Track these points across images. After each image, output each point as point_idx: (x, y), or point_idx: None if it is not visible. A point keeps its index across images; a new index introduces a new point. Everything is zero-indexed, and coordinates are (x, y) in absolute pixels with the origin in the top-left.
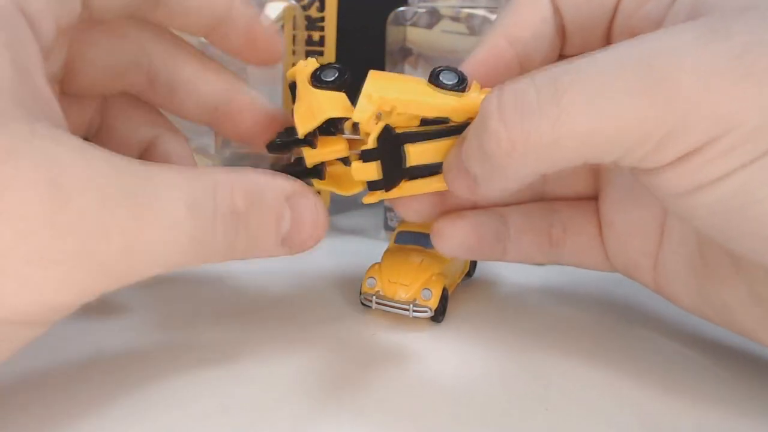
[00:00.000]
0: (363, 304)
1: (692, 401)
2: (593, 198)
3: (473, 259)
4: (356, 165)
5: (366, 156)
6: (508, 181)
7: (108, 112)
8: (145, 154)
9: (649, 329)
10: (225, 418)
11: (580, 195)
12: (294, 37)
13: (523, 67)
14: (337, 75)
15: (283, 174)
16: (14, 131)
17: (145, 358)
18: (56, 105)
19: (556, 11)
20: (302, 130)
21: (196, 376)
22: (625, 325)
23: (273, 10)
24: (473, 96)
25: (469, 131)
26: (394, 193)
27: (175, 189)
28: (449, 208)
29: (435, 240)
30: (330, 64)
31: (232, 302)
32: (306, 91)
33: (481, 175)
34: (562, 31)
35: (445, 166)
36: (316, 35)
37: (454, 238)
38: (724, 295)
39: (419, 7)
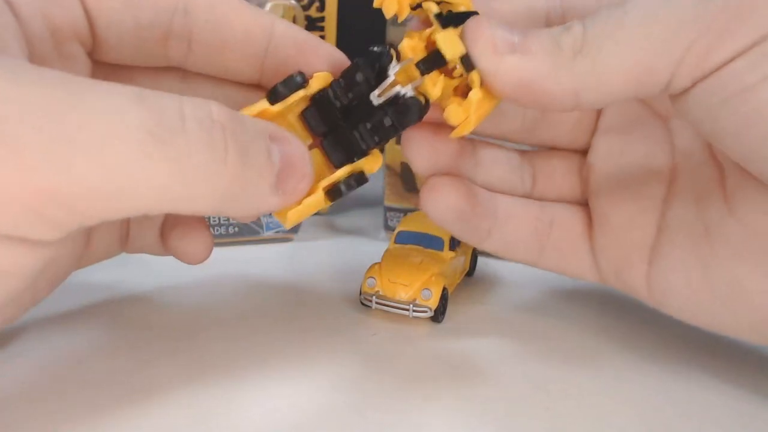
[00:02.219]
0: (363, 304)
1: (692, 400)
2: (580, 203)
3: (455, 231)
4: (440, 36)
5: (445, 20)
6: (554, 77)
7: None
8: None
9: (649, 329)
10: (225, 419)
11: (567, 199)
12: None
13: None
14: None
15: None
16: None
17: (147, 361)
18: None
19: None
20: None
21: (197, 378)
22: (624, 326)
23: (273, 11)
24: None
25: (535, 33)
26: (477, 110)
27: (119, 90)
28: (454, 170)
29: (426, 197)
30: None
31: (232, 303)
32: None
33: (530, 51)
34: None
35: (481, 18)
36: (316, 35)
37: (448, 198)
38: (736, 271)
39: None
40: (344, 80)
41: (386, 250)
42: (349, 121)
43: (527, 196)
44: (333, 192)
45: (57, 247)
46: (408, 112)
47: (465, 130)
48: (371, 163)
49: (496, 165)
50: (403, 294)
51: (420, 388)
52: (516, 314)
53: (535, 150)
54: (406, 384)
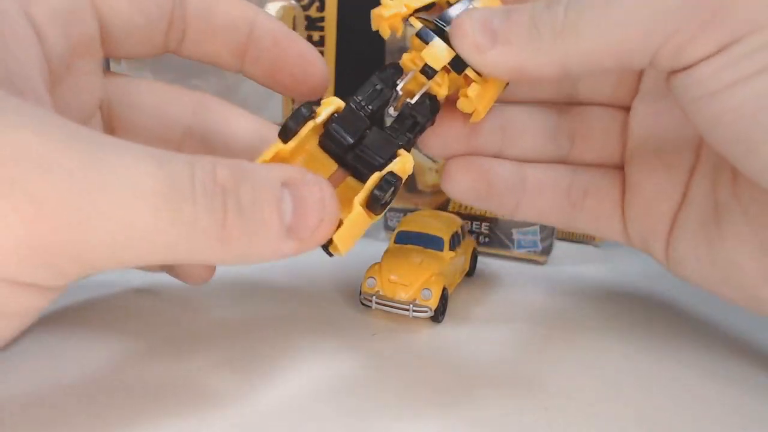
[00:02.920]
0: (363, 304)
1: (691, 401)
2: (617, 167)
3: (481, 207)
4: (427, 50)
5: (424, 35)
6: (537, 60)
7: None
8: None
9: (648, 330)
10: (224, 418)
11: (605, 162)
12: None
13: None
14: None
15: (279, 164)
16: None
17: (146, 360)
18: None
19: None
20: None
21: (196, 377)
22: (624, 326)
23: (272, 10)
24: None
25: (519, 8)
26: (485, 96)
27: (138, 153)
28: (472, 150)
29: (444, 182)
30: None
31: (232, 303)
32: None
33: (510, 42)
34: None
35: (462, 18)
36: (316, 35)
37: (463, 181)
38: (734, 252)
39: None
40: (361, 95)
41: (386, 250)
42: (374, 131)
43: (563, 160)
44: (371, 201)
45: (63, 288)
46: (423, 106)
47: (477, 119)
48: (402, 164)
49: (528, 134)
50: (403, 294)
51: (420, 387)
52: (515, 314)
53: (575, 105)
54: (405, 384)
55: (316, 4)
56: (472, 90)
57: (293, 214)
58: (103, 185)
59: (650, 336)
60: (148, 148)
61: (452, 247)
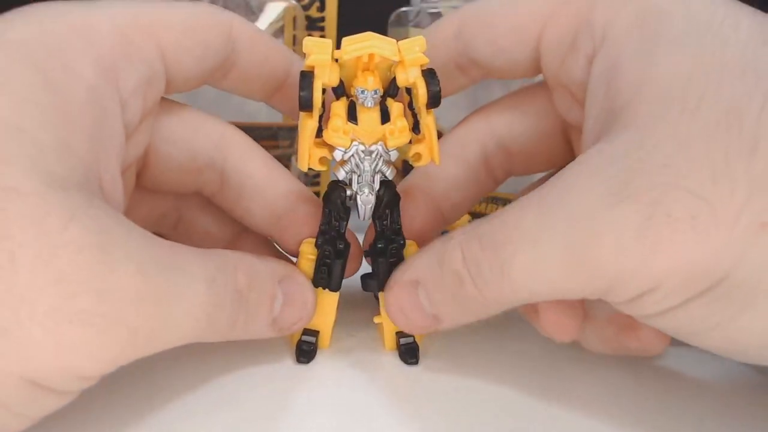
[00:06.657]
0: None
1: (691, 403)
2: None
3: None
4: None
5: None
6: (483, 316)
7: (186, 210)
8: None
9: None
10: (228, 414)
11: None
12: (294, 37)
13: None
14: None
15: (274, 258)
16: (75, 199)
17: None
18: (120, 192)
19: None
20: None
21: (195, 376)
22: None
23: (273, 10)
24: None
25: (432, 281)
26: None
27: (196, 264)
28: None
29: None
30: None
31: None
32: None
33: (451, 317)
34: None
35: (395, 307)
36: (316, 35)
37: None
38: None
39: (421, 8)
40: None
41: None
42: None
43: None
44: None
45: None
46: (390, 191)
47: None
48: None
49: None
50: None
51: (419, 385)
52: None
53: None
54: (407, 381)
55: (316, 4)
56: None
57: (281, 310)
58: (170, 307)
59: None
60: (200, 260)
61: None
